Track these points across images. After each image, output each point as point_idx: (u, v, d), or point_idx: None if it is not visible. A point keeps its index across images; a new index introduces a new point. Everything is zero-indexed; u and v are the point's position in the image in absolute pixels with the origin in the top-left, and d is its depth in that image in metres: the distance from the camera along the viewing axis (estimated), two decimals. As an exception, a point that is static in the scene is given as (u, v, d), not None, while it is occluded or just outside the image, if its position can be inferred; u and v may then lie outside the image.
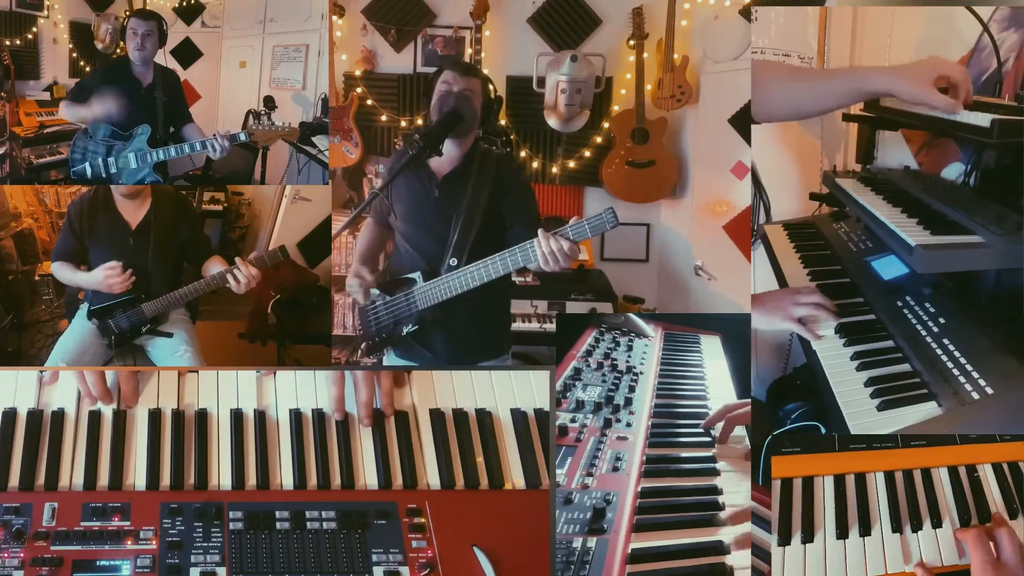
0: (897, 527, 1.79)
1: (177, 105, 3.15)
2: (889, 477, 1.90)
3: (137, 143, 2.99)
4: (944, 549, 1.75)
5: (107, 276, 2.66)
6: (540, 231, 2.11)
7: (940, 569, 1.71)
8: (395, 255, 2.53)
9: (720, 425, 1.98)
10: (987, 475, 1.94)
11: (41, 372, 1.99)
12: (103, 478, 1.83)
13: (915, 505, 1.83)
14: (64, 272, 2.79)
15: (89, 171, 2.98)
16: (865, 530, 1.78)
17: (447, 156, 2.38)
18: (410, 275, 2.39)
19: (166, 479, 1.85)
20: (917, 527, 1.79)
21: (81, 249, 2.76)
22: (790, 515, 1.81)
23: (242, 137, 3.00)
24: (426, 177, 2.40)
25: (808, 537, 1.76)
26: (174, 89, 3.16)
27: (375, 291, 2.45)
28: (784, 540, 1.76)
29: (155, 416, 1.93)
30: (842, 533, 1.78)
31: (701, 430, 2.01)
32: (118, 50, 3.10)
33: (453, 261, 2.32)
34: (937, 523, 1.80)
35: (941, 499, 1.86)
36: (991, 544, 1.71)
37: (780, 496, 1.84)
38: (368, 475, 1.90)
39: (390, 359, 2.52)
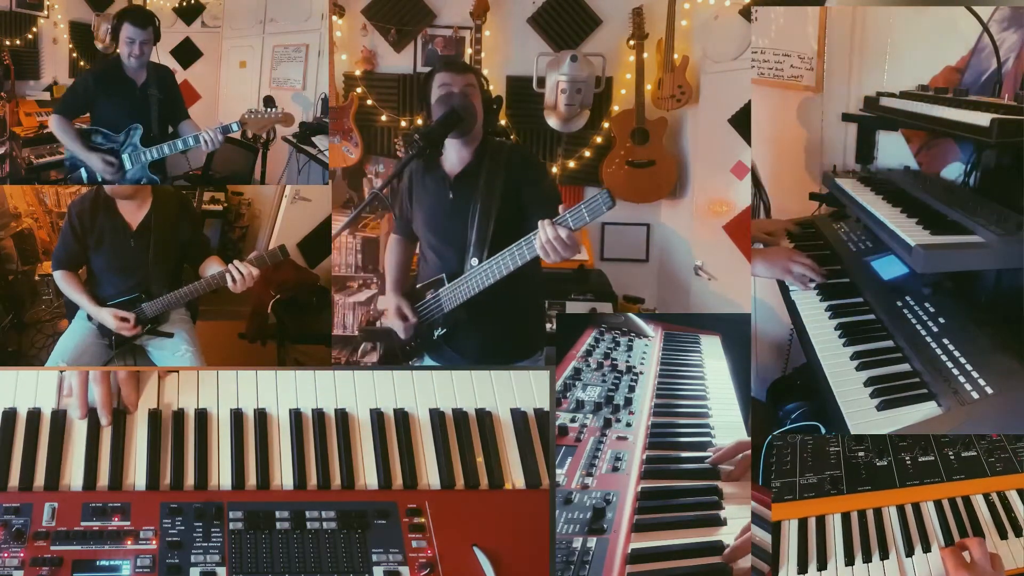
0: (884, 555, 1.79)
1: (173, 102, 3.09)
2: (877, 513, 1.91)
3: (130, 143, 2.93)
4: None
5: (119, 326, 2.66)
6: (540, 221, 2.05)
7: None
8: (421, 261, 2.52)
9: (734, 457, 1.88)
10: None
11: (60, 374, 1.96)
12: (103, 478, 1.83)
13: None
14: (67, 287, 2.75)
15: (85, 176, 2.96)
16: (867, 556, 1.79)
17: (458, 156, 2.37)
18: (436, 277, 2.38)
19: (166, 479, 1.84)
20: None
21: (82, 251, 2.75)
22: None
23: (234, 128, 2.94)
24: (440, 179, 2.39)
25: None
26: (169, 86, 3.10)
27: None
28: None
29: (155, 416, 1.92)
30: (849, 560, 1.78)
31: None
32: (117, 49, 3.04)
33: (474, 261, 2.31)
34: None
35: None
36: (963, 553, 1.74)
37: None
38: (368, 475, 1.90)
39: (424, 362, 2.51)
